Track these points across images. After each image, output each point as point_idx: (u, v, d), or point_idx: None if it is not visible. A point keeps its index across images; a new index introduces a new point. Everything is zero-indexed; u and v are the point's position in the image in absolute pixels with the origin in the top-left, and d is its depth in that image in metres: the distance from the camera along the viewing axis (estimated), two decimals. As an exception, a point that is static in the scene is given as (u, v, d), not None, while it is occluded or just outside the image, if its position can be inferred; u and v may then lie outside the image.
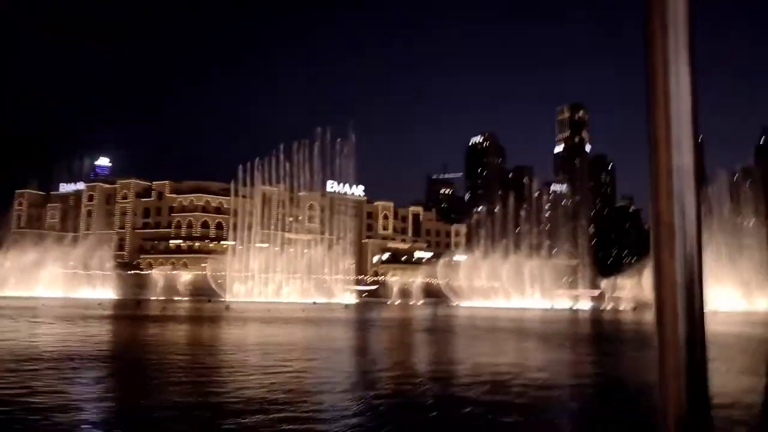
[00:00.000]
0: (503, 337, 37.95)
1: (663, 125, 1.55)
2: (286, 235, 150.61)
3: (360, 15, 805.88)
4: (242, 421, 12.35)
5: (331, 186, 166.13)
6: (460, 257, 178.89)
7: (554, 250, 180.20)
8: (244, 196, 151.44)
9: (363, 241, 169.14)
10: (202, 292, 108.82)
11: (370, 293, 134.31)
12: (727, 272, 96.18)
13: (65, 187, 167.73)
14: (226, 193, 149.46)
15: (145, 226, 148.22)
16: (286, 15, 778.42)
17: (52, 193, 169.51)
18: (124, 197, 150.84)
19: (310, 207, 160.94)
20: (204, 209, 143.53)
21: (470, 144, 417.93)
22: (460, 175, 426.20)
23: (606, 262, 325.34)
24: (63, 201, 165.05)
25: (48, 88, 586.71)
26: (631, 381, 19.80)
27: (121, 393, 16.26)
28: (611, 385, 19.89)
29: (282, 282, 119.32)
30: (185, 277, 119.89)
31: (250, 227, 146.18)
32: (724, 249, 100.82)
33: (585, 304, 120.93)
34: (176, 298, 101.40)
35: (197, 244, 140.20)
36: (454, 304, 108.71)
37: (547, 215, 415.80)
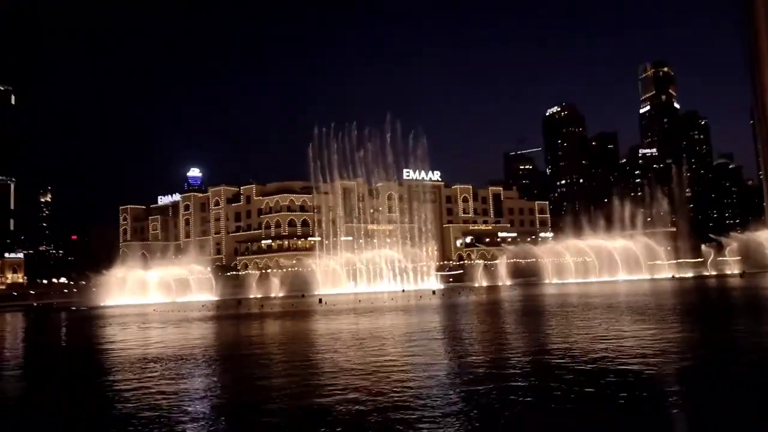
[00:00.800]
0: (612, 317, 36.92)
1: None
2: (368, 226, 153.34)
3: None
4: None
5: (408, 174, 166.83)
6: (546, 234, 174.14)
7: (649, 219, 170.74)
8: (325, 193, 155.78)
9: (444, 225, 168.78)
10: (296, 287, 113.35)
11: (456, 277, 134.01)
12: None
13: (163, 200, 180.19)
14: (308, 191, 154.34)
15: (238, 229, 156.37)
16: (349, 10, 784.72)
17: (151, 206, 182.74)
18: (216, 204, 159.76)
19: (389, 197, 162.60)
20: (289, 208, 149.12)
21: (546, 115, 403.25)
22: (539, 149, 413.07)
23: (707, 225, 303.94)
24: (162, 212, 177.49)
25: (139, 111, 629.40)
26: None
27: (232, 390, 17.70)
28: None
29: (369, 272, 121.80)
30: (278, 274, 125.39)
31: (333, 222, 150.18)
32: None
33: (687, 273, 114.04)
34: (272, 295, 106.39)
35: (286, 242, 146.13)
36: (545, 283, 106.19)
37: (638, 182, 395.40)
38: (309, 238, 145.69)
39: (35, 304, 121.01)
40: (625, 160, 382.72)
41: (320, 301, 71.15)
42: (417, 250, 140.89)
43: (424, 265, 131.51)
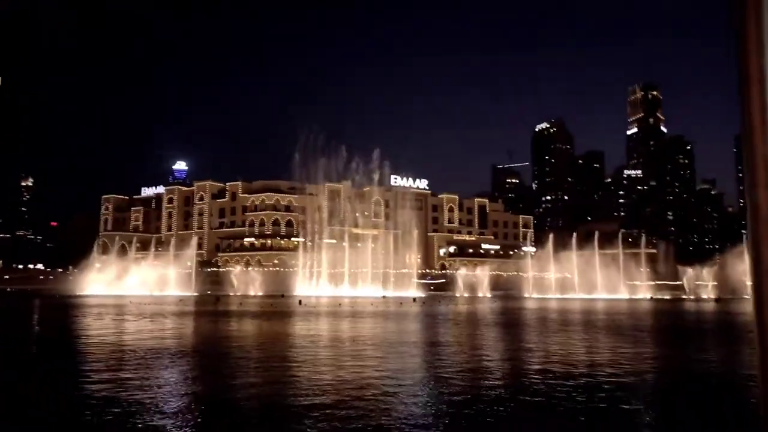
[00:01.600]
0: (584, 332, 37.16)
1: (758, 111, 1.38)
2: (353, 230, 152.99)
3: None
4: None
5: (395, 180, 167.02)
6: (528, 249, 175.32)
7: (630, 239, 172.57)
8: (311, 194, 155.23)
9: (429, 234, 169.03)
10: (276, 287, 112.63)
11: (438, 286, 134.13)
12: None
13: (146, 191, 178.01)
14: (294, 191, 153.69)
15: (221, 225, 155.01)
16: (345, 13, 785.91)
17: (134, 197, 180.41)
18: (201, 198, 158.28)
19: (376, 202, 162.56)
20: (274, 208, 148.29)
21: (536, 131, 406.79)
22: (526, 164, 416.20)
23: (687, 249, 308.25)
24: (145, 204, 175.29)
25: (125, 99, 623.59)
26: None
27: (203, 384, 17.42)
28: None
29: (351, 277, 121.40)
30: (259, 273, 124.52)
31: (318, 224, 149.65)
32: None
33: (664, 295, 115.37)
34: (252, 294, 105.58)
35: (269, 241, 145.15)
36: (525, 297, 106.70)
37: (621, 201, 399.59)
38: (292, 239, 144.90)
39: (8, 290, 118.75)
40: (610, 179, 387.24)
41: (300, 302, 70.70)
42: (400, 257, 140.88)
43: (406, 273, 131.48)
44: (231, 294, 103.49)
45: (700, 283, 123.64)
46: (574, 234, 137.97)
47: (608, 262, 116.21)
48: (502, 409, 14.26)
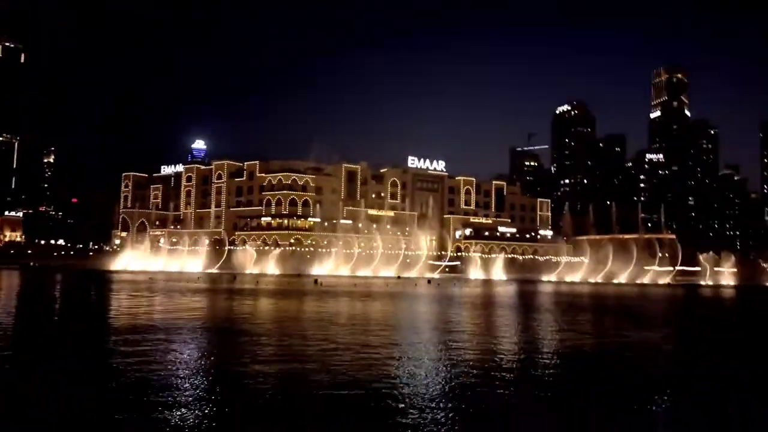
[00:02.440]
0: (592, 317, 36.97)
1: None
2: (369, 211, 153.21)
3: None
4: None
5: (413, 162, 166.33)
6: (546, 232, 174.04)
7: (649, 224, 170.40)
8: (328, 174, 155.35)
9: (445, 216, 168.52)
10: (293, 266, 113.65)
11: (453, 268, 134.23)
12: None
13: (165, 170, 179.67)
14: (312, 171, 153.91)
15: (238, 204, 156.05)
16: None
17: (154, 175, 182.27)
18: (219, 177, 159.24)
19: (392, 183, 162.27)
20: (291, 187, 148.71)
21: (556, 113, 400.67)
22: (546, 146, 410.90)
23: (707, 235, 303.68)
24: (164, 182, 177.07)
25: (148, 79, 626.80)
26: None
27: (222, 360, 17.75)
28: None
29: (366, 257, 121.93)
30: (276, 252, 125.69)
31: (334, 204, 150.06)
32: None
33: (682, 280, 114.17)
34: (268, 273, 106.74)
35: (286, 221, 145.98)
36: (541, 281, 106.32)
37: (642, 186, 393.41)
38: (309, 219, 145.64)
39: (32, 264, 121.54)
40: (630, 164, 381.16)
41: (316, 281, 71.33)
42: (416, 239, 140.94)
43: (422, 254, 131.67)
44: (248, 272, 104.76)
45: (720, 270, 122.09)
46: (592, 218, 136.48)
47: (627, 247, 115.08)
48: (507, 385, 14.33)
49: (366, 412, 11.97)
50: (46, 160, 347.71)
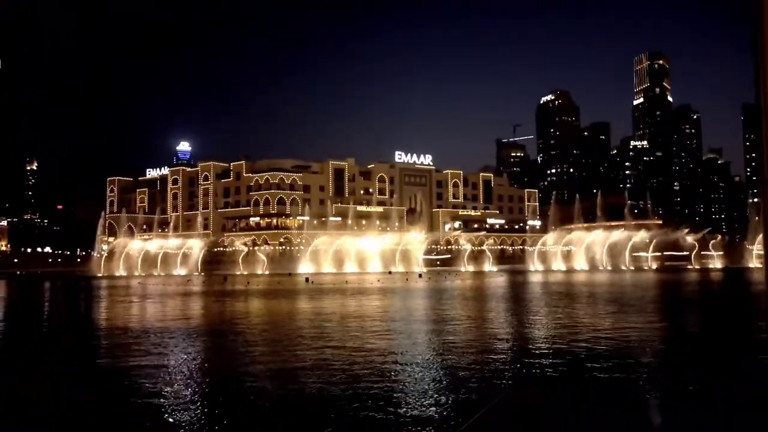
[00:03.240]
0: (586, 305, 37.31)
1: None
2: (358, 207, 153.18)
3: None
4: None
5: (399, 156, 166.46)
6: (534, 222, 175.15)
7: (635, 210, 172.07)
8: (315, 172, 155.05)
9: (434, 210, 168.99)
10: (283, 266, 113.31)
11: (443, 262, 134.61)
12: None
13: (151, 173, 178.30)
14: (299, 169, 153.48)
15: (226, 205, 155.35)
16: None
17: (139, 178, 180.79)
18: (205, 179, 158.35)
19: (380, 179, 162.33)
20: (279, 186, 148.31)
21: (540, 103, 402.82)
22: (531, 137, 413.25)
23: (693, 219, 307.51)
24: (150, 186, 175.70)
25: (130, 82, 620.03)
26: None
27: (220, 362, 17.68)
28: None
29: (356, 254, 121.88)
30: (265, 252, 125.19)
31: (322, 202, 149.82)
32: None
33: (669, 264, 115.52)
34: (259, 273, 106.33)
35: (274, 220, 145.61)
36: (530, 271, 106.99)
37: (627, 173, 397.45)
38: (298, 217, 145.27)
39: (19, 273, 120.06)
40: (616, 151, 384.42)
41: (307, 280, 71.18)
42: (405, 233, 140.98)
43: (412, 249, 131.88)
44: (238, 273, 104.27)
45: (707, 253, 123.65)
46: (579, 206, 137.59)
47: (613, 234, 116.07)
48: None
49: (367, 417, 11.98)
50: (29, 168, 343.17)
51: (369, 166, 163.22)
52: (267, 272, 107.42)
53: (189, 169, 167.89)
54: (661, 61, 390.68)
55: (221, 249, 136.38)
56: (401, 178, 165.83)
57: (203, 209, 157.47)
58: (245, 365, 16.99)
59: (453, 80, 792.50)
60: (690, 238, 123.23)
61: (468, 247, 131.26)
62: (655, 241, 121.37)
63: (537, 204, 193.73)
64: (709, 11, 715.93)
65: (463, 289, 55.80)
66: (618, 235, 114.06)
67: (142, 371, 16.02)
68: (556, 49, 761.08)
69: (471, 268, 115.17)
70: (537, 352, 18.77)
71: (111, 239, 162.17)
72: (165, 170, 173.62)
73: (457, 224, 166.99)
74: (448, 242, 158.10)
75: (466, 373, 15.22)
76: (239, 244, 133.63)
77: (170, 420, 11.35)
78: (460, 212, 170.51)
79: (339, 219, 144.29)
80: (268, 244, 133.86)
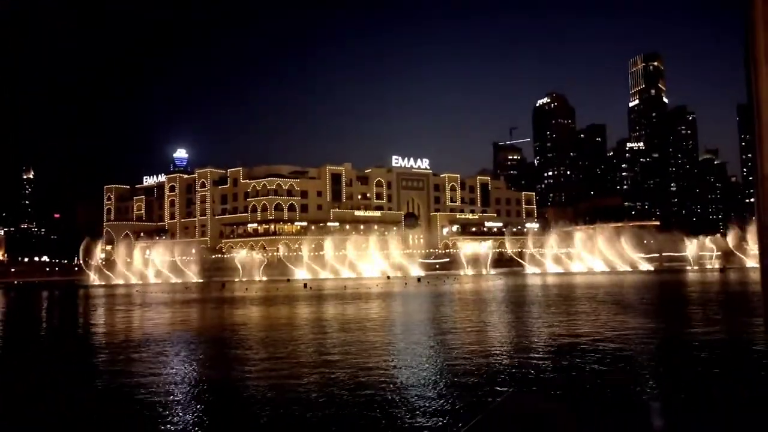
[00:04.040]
0: (586, 307, 37.26)
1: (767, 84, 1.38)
2: (356, 212, 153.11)
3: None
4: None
5: (396, 161, 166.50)
6: (531, 225, 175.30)
7: (633, 212, 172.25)
8: (313, 177, 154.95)
9: (431, 213, 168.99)
10: (281, 271, 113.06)
11: (442, 265, 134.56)
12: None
13: (148, 180, 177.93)
14: (296, 175, 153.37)
15: (224, 212, 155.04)
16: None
17: (136, 186, 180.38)
18: (203, 185, 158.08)
19: (377, 183, 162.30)
20: (276, 192, 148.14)
21: (536, 106, 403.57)
22: (528, 140, 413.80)
23: (690, 220, 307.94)
24: (147, 193, 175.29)
25: (126, 89, 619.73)
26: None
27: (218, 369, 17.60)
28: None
29: (355, 258, 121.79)
30: (263, 258, 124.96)
31: (320, 207, 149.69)
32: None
33: (668, 266, 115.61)
34: (257, 279, 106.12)
35: (272, 226, 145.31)
36: (528, 273, 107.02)
37: (624, 175, 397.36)
38: (295, 223, 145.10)
39: (16, 282, 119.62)
40: (612, 153, 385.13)
41: (305, 286, 71.04)
42: (403, 238, 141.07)
43: (410, 253, 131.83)
44: (236, 279, 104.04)
45: (704, 254, 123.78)
46: (577, 209, 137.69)
47: (612, 236, 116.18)
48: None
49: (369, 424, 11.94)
50: (25, 177, 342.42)
51: (366, 171, 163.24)
52: (265, 278, 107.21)
53: (186, 176, 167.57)
54: (656, 63, 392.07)
55: (219, 256, 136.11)
56: (398, 183, 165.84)
57: (201, 216, 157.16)
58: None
59: (449, 84, 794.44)
60: (687, 242, 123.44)
61: (466, 250, 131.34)
62: (653, 242, 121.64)
63: (534, 206, 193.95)
64: (702, 12, 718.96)
65: (462, 293, 55.75)
66: (616, 236, 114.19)
67: (143, 385, 15.95)
68: (552, 51, 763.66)
69: (470, 271, 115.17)
70: (538, 355, 18.75)
71: (109, 247, 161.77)
72: (162, 177, 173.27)
73: (455, 227, 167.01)
74: (446, 245, 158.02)
75: (469, 378, 15.18)
76: (237, 251, 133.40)
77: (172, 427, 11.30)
78: (458, 216, 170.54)
79: (337, 224, 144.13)
80: (266, 250, 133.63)
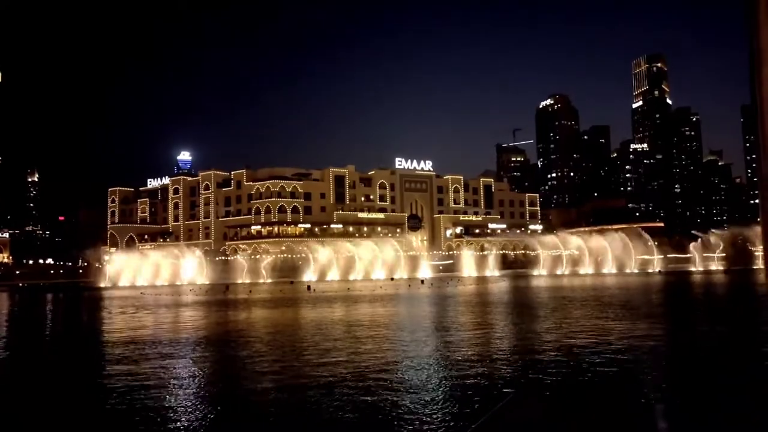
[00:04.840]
0: (593, 310, 37.17)
1: None
2: (359, 214, 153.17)
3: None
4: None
5: (400, 162, 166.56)
6: (535, 227, 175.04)
7: (637, 213, 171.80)
8: (316, 179, 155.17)
9: (435, 215, 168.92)
10: (285, 273, 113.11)
11: (445, 267, 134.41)
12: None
13: (152, 183, 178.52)
14: (299, 177, 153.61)
15: (227, 214, 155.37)
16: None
17: (140, 188, 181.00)
18: (206, 188, 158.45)
19: (381, 185, 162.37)
20: (279, 194, 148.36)
21: (540, 107, 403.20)
22: (531, 141, 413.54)
23: (694, 221, 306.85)
24: (151, 195, 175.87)
25: (130, 92, 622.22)
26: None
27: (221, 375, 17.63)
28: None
29: (358, 261, 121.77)
30: (267, 260, 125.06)
31: (323, 209, 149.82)
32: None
33: (672, 267, 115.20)
34: (260, 281, 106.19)
35: (276, 228, 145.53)
36: (533, 275, 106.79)
37: (628, 176, 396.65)
38: (299, 225, 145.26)
39: (21, 285, 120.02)
40: (616, 154, 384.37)
41: (309, 288, 71.06)
42: (406, 239, 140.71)
43: (414, 255, 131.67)
44: (240, 282, 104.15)
45: (709, 255, 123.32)
46: (581, 210, 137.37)
47: (616, 238, 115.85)
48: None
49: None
50: (30, 179, 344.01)
51: (369, 173, 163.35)
52: (269, 280, 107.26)
53: (190, 179, 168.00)
54: (659, 64, 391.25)
55: (223, 258, 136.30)
56: (402, 185, 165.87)
57: (204, 218, 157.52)
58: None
59: (452, 86, 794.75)
60: (692, 244, 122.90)
61: (469, 252, 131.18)
62: (657, 243, 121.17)
63: (538, 208, 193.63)
64: (706, 13, 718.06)
65: (466, 295, 55.68)
66: (621, 238, 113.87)
67: (149, 385, 15.98)
68: (555, 53, 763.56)
69: (474, 273, 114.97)
70: (541, 357, 18.71)
71: (113, 249, 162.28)
72: (166, 180, 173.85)
73: (458, 229, 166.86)
74: (450, 247, 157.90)
75: (472, 382, 15.16)
76: (240, 253, 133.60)
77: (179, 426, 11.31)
78: (461, 218, 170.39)
79: (340, 226, 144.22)
80: (270, 253, 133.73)
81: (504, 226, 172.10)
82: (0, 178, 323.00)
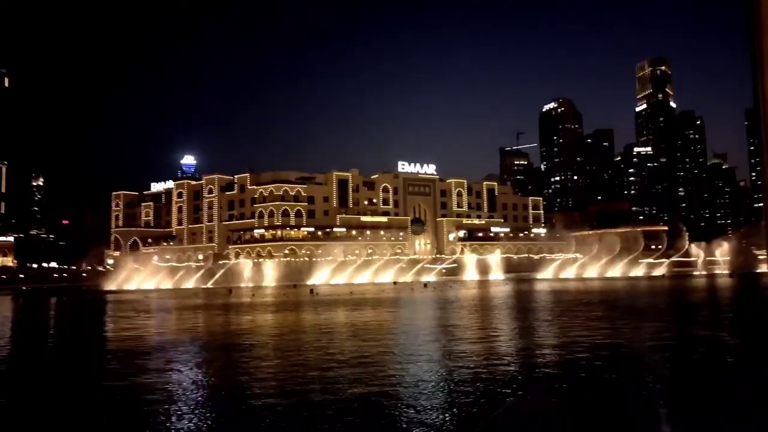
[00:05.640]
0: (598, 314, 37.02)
1: None
2: (362, 218, 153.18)
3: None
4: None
5: (403, 166, 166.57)
6: (539, 230, 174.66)
7: (641, 217, 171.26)
8: (319, 183, 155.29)
9: (438, 219, 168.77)
10: (288, 277, 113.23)
11: (448, 271, 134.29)
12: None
13: (156, 187, 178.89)
14: (303, 181, 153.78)
15: (231, 218, 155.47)
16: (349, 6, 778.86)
17: (144, 192, 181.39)
18: (210, 192, 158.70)
19: (384, 189, 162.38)
20: (283, 198, 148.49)
21: (543, 111, 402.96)
22: (534, 145, 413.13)
23: (698, 225, 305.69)
24: (155, 199, 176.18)
25: (133, 96, 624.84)
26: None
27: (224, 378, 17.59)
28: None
29: (361, 264, 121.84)
30: (270, 264, 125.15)
31: (327, 213, 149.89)
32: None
33: (677, 271, 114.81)
34: (264, 285, 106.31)
35: (279, 232, 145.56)
36: (537, 278, 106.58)
37: (632, 180, 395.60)
38: (302, 229, 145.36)
39: (25, 288, 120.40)
40: (619, 158, 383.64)
41: (311, 291, 71.08)
42: (410, 243, 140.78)
43: (416, 258, 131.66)
44: (243, 285, 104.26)
45: (713, 259, 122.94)
46: (585, 214, 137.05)
47: (620, 241, 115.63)
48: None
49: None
50: (35, 183, 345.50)
51: (373, 177, 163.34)
52: (273, 284, 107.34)
53: (193, 183, 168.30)
54: (663, 67, 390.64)
55: (226, 261, 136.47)
56: (405, 188, 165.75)
57: (208, 222, 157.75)
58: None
59: (455, 89, 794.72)
60: (695, 247, 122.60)
61: (472, 255, 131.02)
62: (660, 247, 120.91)
63: (542, 212, 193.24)
64: (710, 16, 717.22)
65: (469, 299, 55.53)
66: (624, 241, 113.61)
67: (156, 388, 15.96)
68: (558, 56, 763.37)
69: (477, 276, 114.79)
70: (542, 360, 18.61)
71: (117, 253, 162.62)
72: (170, 184, 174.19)
73: (461, 233, 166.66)
74: (453, 251, 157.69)
75: (472, 386, 15.09)
76: (244, 257, 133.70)
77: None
78: (465, 221, 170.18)
79: (344, 230, 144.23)
80: (273, 256, 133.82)
81: (507, 229, 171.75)
82: (5, 183, 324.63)
